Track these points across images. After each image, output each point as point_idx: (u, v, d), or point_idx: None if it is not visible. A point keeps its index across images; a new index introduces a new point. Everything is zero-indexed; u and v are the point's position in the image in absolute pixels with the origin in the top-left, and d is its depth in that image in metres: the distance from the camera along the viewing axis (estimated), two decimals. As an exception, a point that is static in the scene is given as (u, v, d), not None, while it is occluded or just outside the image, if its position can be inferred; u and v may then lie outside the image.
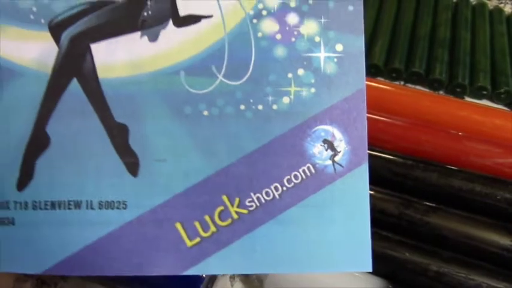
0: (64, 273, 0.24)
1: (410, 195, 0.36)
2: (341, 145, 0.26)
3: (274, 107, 0.25)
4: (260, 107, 0.25)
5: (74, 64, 0.25)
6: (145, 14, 0.26)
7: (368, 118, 0.26)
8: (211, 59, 0.26)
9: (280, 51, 0.26)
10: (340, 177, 0.26)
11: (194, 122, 0.25)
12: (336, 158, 0.26)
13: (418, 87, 0.51)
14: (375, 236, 0.27)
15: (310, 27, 0.26)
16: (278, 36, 0.26)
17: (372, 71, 0.50)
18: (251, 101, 0.25)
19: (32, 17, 0.25)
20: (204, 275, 0.30)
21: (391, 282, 0.33)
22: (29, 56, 0.25)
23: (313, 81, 0.26)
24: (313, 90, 0.26)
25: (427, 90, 0.51)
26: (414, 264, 0.33)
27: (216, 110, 0.25)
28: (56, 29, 0.25)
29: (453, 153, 0.39)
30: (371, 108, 0.27)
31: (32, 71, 0.25)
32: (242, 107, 0.25)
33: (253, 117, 0.25)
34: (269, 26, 0.26)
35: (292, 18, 0.26)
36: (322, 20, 0.26)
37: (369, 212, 0.26)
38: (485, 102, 0.49)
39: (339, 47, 0.26)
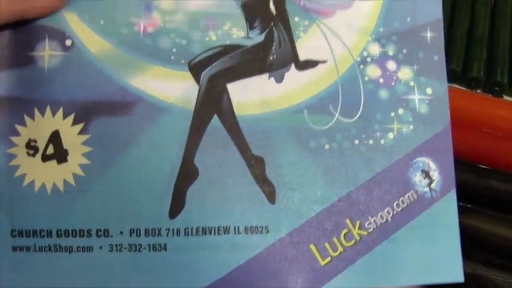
0: (215, 295, 0.26)
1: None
2: (435, 174, 0.30)
3: (382, 141, 0.30)
4: (371, 141, 0.30)
5: (213, 102, 0.28)
6: (271, 58, 0.29)
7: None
8: (328, 99, 0.29)
9: (383, 94, 0.30)
10: (436, 201, 0.30)
11: (318, 154, 0.29)
12: (432, 185, 0.30)
13: (455, 85, 0.49)
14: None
15: (405, 73, 0.31)
16: (381, 80, 0.30)
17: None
18: (363, 136, 0.29)
19: (172, 57, 0.28)
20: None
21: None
22: (173, 94, 0.27)
23: (411, 119, 0.30)
24: (411, 127, 0.30)
25: (464, 88, 0.49)
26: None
27: (335, 144, 0.29)
28: (195, 69, 0.28)
29: (491, 153, 0.39)
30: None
31: (177, 107, 0.27)
32: (356, 141, 0.29)
33: (366, 150, 0.29)
34: (373, 71, 0.30)
35: (391, 65, 0.31)
36: (415, 67, 0.31)
37: (459, 230, 0.30)
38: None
39: (429, 91, 0.31)
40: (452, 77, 0.49)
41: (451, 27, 0.52)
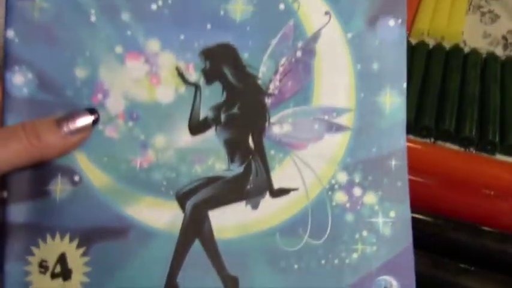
0: None
1: (441, 255, 0.37)
2: (396, 291, 0.34)
3: (347, 261, 0.34)
4: (336, 261, 0.34)
5: (196, 227, 0.33)
6: (248, 187, 0.34)
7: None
8: (298, 223, 0.34)
9: (349, 217, 0.34)
10: None
11: (287, 274, 0.33)
12: (393, 302, 0.34)
13: (448, 144, 0.51)
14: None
15: (370, 198, 0.35)
16: (347, 205, 0.34)
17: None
18: (330, 256, 0.33)
19: (163, 189, 0.33)
20: None
21: None
22: (162, 221, 0.33)
23: (374, 240, 0.34)
24: (374, 248, 0.34)
25: (457, 147, 0.51)
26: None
27: (304, 264, 0.33)
28: (181, 199, 0.33)
29: (485, 212, 0.39)
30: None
31: (165, 232, 0.32)
32: (323, 261, 0.33)
33: (332, 269, 0.33)
34: (340, 197, 0.35)
35: (357, 191, 0.35)
36: (379, 193, 0.35)
37: None
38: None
39: (392, 214, 0.35)
40: (446, 136, 0.51)
41: (443, 87, 0.54)
